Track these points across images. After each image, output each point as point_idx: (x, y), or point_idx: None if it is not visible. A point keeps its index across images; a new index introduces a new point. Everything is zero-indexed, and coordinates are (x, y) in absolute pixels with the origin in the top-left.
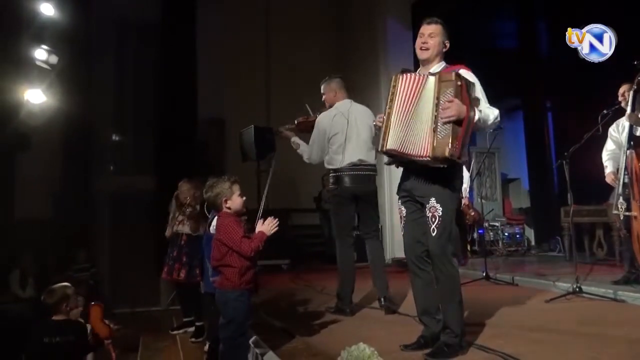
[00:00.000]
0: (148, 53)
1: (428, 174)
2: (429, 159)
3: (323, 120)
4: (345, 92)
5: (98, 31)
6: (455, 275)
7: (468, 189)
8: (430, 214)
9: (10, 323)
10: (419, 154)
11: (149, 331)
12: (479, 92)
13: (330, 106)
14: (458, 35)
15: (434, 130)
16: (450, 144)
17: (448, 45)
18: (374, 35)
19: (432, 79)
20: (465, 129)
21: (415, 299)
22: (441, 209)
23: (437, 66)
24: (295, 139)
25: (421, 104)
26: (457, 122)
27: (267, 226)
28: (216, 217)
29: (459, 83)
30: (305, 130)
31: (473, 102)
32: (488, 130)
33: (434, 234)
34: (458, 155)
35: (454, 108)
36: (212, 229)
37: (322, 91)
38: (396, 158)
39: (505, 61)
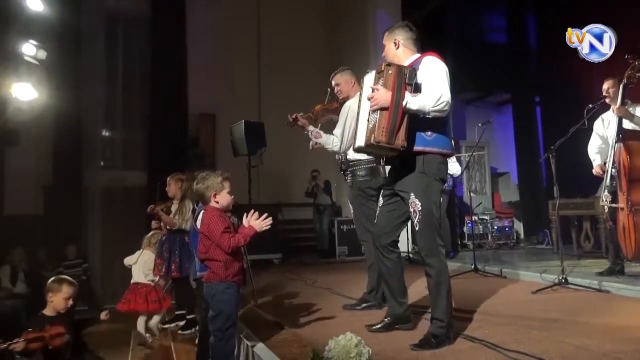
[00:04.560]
0: (138, 48)
1: (404, 168)
2: (364, 147)
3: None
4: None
5: (87, 26)
6: (444, 269)
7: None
8: (412, 210)
9: (1, 318)
10: (362, 144)
11: None
12: (430, 77)
13: (347, 97)
14: (448, 30)
15: (368, 120)
16: (375, 131)
17: (399, 39)
18: (364, 29)
19: (372, 73)
20: (392, 114)
21: (383, 283)
22: (420, 203)
23: (409, 60)
24: (312, 129)
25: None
26: (384, 109)
27: (259, 223)
28: (202, 211)
29: (390, 72)
30: (321, 119)
31: (405, 88)
32: (441, 114)
33: (417, 229)
34: (385, 141)
35: (375, 97)
36: (198, 222)
37: (336, 82)
38: (367, 153)
39: (495, 55)
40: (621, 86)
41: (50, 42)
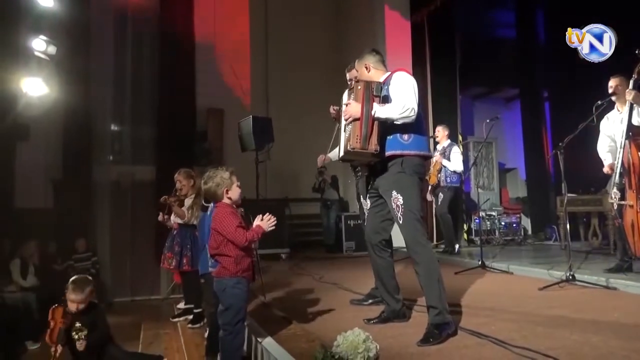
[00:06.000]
0: (146, 42)
1: (385, 171)
2: (344, 155)
3: None
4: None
5: (96, 21)
6: (431, 256)
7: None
8: (395, 205)
9: (14, 311)
10: (342, 153)
11: (149, 319)
12: (398, 89)
13: None
14: (455, 25)
15: (345, 131)
16: (350, 140)
17: (369, 63)
18: (373, 25)
19: (346, 91)
20: (363, 123)
21: (377, 280)
22: (401, 197)
23: (382, 78)
24: None
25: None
26: (357, 120)
27: (265, 223)
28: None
29: (359, 87)
30: None
31: (373, 100)
32: (408, 120)
33: (401, 222)
34: (360, 147)
35: (347, 110)
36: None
37: (352, 75)
38: (350, 161)
39: (503, 51)
40: (631, 82)
41: (60, 38)
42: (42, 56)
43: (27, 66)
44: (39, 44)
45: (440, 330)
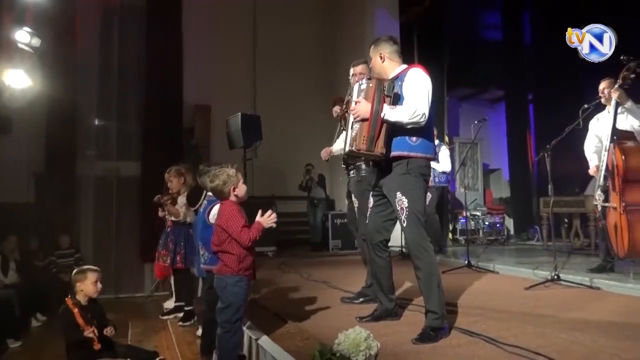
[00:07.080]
0: (133, 36)
1: (391, 171)
2: (346, 152)
3: None
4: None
5: (82, 14)
6: (432, 261)
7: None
8: (399, 207)
9: None
10: (345, 151)
11: (135, 317)
12: (411, 90)
13: None
14: (444, 26)
15: (351, 128)
16: (356, 139)
17: (384, 53)
18: (362, 24)
19: (357, 85)
20: (371, 124)
21: (373, 279)
22: (406, 200)
23: (396, 71)
24: None
25: None
26: (365, 120)
27: (265, 218)
28: (217, 205)
29: (371, 85)
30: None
31: (384, 100)
32: (418, 125)
33: (405, 225)
34: (365, 148)
35: (356, 108)
36: (212, 218)
37: (357, 71)
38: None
39: (490, 53)
40: (616, 85)
41: (44, 30)
42: (26, 48)
43: (10, 58)
44: (23, 36)
45: (436, 333)
